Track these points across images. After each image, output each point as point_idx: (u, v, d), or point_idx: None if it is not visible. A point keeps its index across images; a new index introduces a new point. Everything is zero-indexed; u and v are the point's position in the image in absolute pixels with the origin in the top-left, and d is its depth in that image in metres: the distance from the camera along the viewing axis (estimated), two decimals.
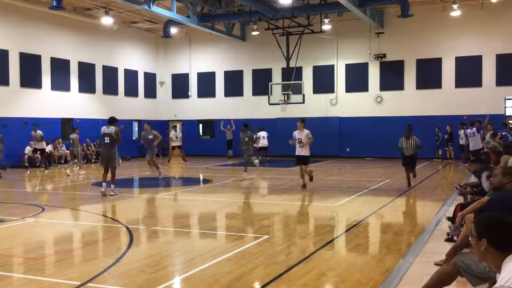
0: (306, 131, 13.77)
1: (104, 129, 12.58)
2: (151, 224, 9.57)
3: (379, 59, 26.03)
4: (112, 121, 12.71)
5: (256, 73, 28.81)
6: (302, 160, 13.68)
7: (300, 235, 8.42)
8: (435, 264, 5.85)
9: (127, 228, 8.57)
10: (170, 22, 25.21)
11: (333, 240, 7.87)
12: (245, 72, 29.20)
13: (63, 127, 24.21)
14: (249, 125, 18.15)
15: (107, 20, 23.24)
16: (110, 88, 27.41)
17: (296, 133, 13.89)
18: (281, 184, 15.43)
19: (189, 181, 17.12)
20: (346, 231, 8.52)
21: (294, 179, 16.02)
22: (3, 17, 21.48)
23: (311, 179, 13.94)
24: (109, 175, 12.64)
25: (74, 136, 18.81)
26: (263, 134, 24.95)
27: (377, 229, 8.77)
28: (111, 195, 12.30)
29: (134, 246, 7.35)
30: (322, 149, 26.84)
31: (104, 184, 12.53)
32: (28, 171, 20.39)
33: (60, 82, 24.32)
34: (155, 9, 21.38)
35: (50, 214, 10.24)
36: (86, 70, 25.81)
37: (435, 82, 25.15)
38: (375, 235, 8.35)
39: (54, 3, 19.40)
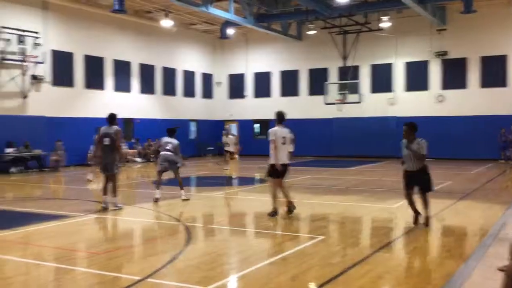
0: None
1: (103, 128, 10.46)
2: (208, 222, 9.73)
3: (440, 56, 25.20)
4: (112, 119, 10.55)
5: (312, 73, 28.64)
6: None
7: (357, 236, 8.29)
8: (498, 269, 5.60)
9: (185, 226, 8.75)
10: (227, 23, 25.53)
11: (390, 242, 7.69)
12: (300, 71, 29.09)
13: (125, 127, 25.05)
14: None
15: (166, 23, 23.85)
16: (168, 88, 28.11)
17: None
18: (337, 184, 15.24)
19: (245, 181, 17.24)
20: (405, 233, 8.30)
21: (351, 180, 15.80)
22: (69, 21, 22.49)
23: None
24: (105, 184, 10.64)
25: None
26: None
27: (438, 232, 8.48)
28: (114, 209, 10.38)
29: (192, 244, 7.48)
30: (379, 149, 26.34)
31: (105, 197, 10.48)
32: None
33: (122, 83, 25.21)
34: (213, 10, 21.72)
35: (112, 211, 10.61)
36: (146, 72, 26.61)
37: (500, 80, 24.06)
38: (435, 238, 8.08)
39: (117, 7, 20.15)
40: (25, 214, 10.18)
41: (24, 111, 20.66)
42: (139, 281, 5.54)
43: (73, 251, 7.20)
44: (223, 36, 26.68)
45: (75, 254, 7.07)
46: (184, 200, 11.69)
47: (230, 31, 26.95)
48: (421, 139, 8.29)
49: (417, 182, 8.36)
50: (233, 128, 26.36)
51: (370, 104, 26.57)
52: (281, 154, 9.46)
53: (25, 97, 20.64)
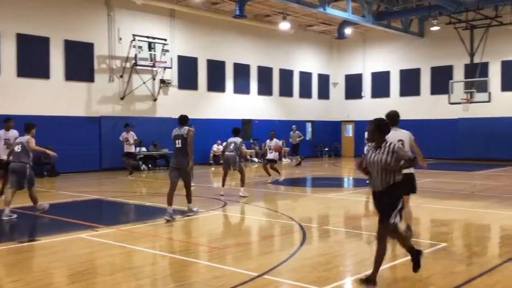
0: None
1: (175, 130, 9.66)
2: (323, 223, 9.72)
3: None
4: (184, 120, 9.70)
5: (435, 71, 27.25)
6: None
7: (483, 245, 7.75)
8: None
9: (300, 226, 8.84)
10: (345, 23, 25.23)
11: None
12: (422, 70, 27.83)
13: (244, 128, 25.89)
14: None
15: (284, 25, 24.22)
16: (285, 90, 28.52)
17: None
18: (461, 189, 14.35)
19: (361, 182, 16.93)
20: None
21: (477, 184, 14.78)
22: (194, 28, 23.81)
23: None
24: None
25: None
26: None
27: None
28: (189, 215, 9.67)
29: (307, 244, 7.54)
30: (510, 152, 24.36)
31: (169, 208, 9.25)
32: (213, 168, 22.21)
33: (241, 86, 26.10)
34: (330, 11, 21.63)
35: (230, 208, 11.05)
36: (264, 74, 27.26)
37: None
38: None
39: (238, 12, 20.94)
40: (154, 209, 10.99)
41: (153, 113, 22.30)
42: (257, 277, 5.71)
43: (196, 245, 7.62)
44: (340, 36, 26.41)
45: (197, 248, 7.48)
46: (241, 197, 11.94)
47: (348, 31, 26.61)
48: (392, 143, 5.41)
49: (381, 207, 5.47)
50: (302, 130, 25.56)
51: (500, 103, 24.61)
52: None
53: (154, 100, 22.29)
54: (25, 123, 10.12)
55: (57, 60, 19.33)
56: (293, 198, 12.18)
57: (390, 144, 5.40)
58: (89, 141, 19.99)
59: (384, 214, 5.36)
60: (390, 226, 5.34)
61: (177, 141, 9.47)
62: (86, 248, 7.38)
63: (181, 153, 9.41)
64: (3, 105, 17.38)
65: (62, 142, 18.09)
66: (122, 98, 21.22)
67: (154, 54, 21.30)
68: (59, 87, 19.40)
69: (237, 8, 20.93)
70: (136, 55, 20.80)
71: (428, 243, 7.62)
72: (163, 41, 21.72)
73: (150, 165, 21.65)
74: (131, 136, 17.86)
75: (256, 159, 25.59)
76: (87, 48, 20.17)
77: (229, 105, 25.39)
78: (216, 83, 24.95)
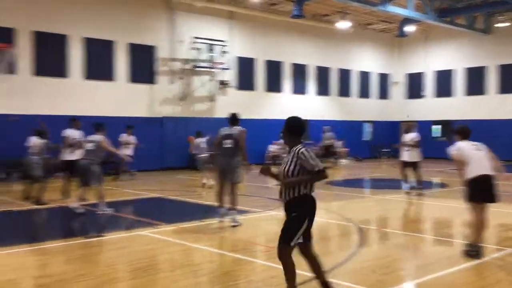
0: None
1: (224, 129, 9.02)
2: (382, 225, 9.53)
3: None
4: (235, 119, 9.07)
5: (503, 69, 26.03)
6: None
7: None
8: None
9: (358, 227, 8.70)
10: (406, 20, 24.59)
11: None
12: (489, 68, 26.65)
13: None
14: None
15: (343, 24, 23.94)
16: (343, 90, 28.16)
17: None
18: None
19: (423, 185, 16.44)
20: None
21: None
22: (252, 29, 23.98)
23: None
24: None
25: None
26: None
27: None
28: (234, 225, 8.83)
29: (365, 246, 7.42)
30: None
31: (222, 209, 9.02)
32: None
33: (299, 86, 26.04)
34: (391, 8, 21.15)
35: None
36: (322, 74, 27.06)
37: None
38: None
39: (296, 12, 20.93)
40: (212, 208, 11.17)
41: (212, 114, 22.67)
42: (314, 278, 5.68)
43: (253, 244, 7.68)
44: (401, 34, 25.77)
45: (254, 247, 7.54)
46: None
47: (409, 29, 25.91)
48: (302, 147, 4.72)
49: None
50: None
51: None
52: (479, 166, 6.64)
53: (213, 100, 22.66)
54: (96, 123, 10.50)
55: (121, 63, 20.07)
56: (351, 199, 12.01)
57: (298, 148, 4.63)
58: (151, 141, 20.59)
59: (283, 233, 4.69)
60: (288, 248, 4.68)
61: (226, 141, 8.82)
62: (147, 244, 7.62)
63: (230, 153, 8.79)
64: (70, 106, 18.24)
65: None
66: (182, 99, 21.73)
67: (213, 56, 21.66)
68: (123, 88, 20.13)
69: (295, 8, 20.91)
70: (196, 57, 21.24)
71: (494, 248, 7.30)
72: (222, 43, 22.04)
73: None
74: (132, 139, 17.71)
75: None
76: (149, 51, 20.82)
77: (287, 106, 25.37)
78: (273, 84, 25.04)
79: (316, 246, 7.71)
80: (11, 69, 17.18)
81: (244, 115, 23.61)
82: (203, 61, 21.51)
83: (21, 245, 7.48)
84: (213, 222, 9.21)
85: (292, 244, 4.64)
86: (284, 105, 25.21)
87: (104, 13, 19.59)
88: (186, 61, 21.55)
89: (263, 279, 5.77)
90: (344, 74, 28.17)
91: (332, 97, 27.73)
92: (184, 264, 6.52)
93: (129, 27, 20.24)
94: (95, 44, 19.29)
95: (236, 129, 8.95)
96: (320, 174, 4.60)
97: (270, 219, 9.89)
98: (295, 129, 4.76)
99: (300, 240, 4.69)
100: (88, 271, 6.13)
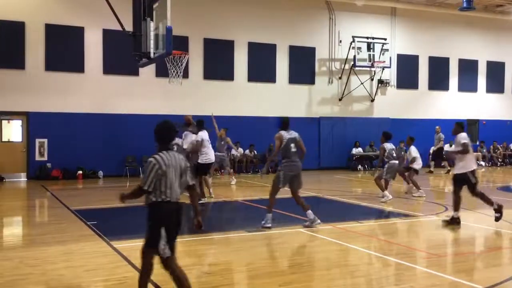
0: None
1: (287, 133, 8.68)
2: None
3: None
4: (288, 123, 8.82)
5: None
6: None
7: None
8: None
9: None
10: None
11: None
12: None
13: (469, 129, 23.97)
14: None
15: None
16: None
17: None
18: None
19: None
20: None
21: None
22: (414, 24, 22.96)
23: None
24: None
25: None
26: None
27: None
28: (308, 225, 8.60)
29: None
30: None
31: (309, 211, 8.66)
32: (431, 169, 20.91)
33: (467, 83, 24.23)
34: None
35: (451, 214, 10.34)
36: (495, 69, 24.79)
37: None
38: None
39: (465, 4, 19.61)
40: (369, 209, 10.99)
41: (370, 113, 22.24)
42: None
43: (413, 249, 7.37)
44: None
45: (414, 252, 7.23)
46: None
47: None
48: (155, 154, 4.49)
49: None
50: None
51: None
52: None
53: (372, 100, 22.22)
54: (197, 120, 11.97)
55: (282, 65, 20.76)
56: None
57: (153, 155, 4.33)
58: (309, 141, 20.90)
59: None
60: (160, 255, 4.27)
61: (292, 145, 8.60)
62: (305, 241, 7.80)
63: (296, 157, 8.64)
64: (234, 108, 19.44)
65: None
66: (340, 99, 21.70)
67: (373, 54, 21.23)
68: (283, 90, 20.80)
69: (465, 0, 19.54)
70: (355, 56, 21.04)
71: None
72: (382, 41, 21.50)
73: (366, 166, 21.59)
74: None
75: (483, 163, 23.38)
76: (309, 52, 21.19)
77: (452, 104, 23.81)
78: (438, 81, 23.66)
79: (484, 257, 7.13)
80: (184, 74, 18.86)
81: (404, 115, 22.90)
82: (363, 60, 21.21)
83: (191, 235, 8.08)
84: (370, 223, 9.05)
85: (162, 253, 4.32)
86: (450, 103, 23.76)
87: (266, 18, 20.43)
88: (345, 61, 21.47)
89: (424, 287, 5.51)
90: None
91: (507, 95, 25.28)
92: (340, 264, 6.53)
93: (290, 30, 20.83)
94: (258, 48, 20.24)
95: (295, 133, 8.74)
96: (194, 189, 4.63)
97: (432, 224, 9.39)
98: (155, 134, 4.51)
99: (168, 251, 4.33)
100: (249, 262, 6.48)
